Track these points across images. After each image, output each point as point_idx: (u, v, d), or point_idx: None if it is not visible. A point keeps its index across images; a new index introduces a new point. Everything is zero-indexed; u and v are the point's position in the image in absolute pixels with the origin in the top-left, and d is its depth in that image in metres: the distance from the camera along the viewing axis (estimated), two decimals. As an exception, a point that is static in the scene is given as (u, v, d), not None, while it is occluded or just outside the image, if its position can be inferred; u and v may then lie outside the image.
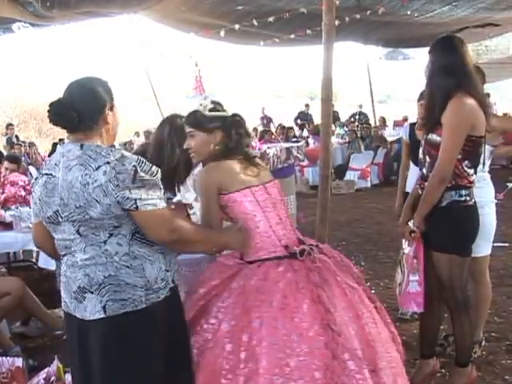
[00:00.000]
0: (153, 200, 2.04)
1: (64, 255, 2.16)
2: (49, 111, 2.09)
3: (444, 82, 2.88)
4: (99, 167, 2.01)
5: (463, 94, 2.85)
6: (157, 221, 2.05)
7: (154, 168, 2.08)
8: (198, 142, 2.60)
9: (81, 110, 2.06)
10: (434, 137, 2.94)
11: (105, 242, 2.06)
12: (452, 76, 2.87)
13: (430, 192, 2.93)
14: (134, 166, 2.02)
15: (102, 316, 2.05)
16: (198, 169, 3.81)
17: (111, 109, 2.17)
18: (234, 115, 2.65)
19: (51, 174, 2.11)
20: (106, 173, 1.99)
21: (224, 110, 2.64)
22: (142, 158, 2.07)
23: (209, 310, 2.37)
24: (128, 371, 2.07)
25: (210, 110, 2.60)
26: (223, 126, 2.58)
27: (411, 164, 4.36)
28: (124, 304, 2.05)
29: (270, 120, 17.29)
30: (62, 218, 2.08)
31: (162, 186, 2.10)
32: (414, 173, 4.25)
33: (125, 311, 2.05)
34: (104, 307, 2.05)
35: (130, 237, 2.07)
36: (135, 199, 2.00)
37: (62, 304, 2.21)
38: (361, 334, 2.32)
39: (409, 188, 4.25)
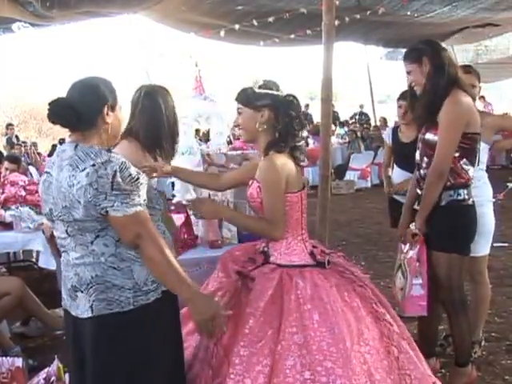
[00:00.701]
0: (125, 206, 1.99)
1: (62, 252, 2.18)
2: (48, 110, 2.08)
3: (440, 81, 2.90)
4: (84, 169, 1.99)
5: (458, 92, 2.88)
6: (124, 224, 1.99)
7: (135, 174, 2.03)
8: (244, 119, 2.53)
9: (79, 109, 2.05)
10: (431, 137, 2.94)
11: (91, 243, 2.06)
12: (446, 76, 2.90)
13: (429, 190, 2.94)
14: (115, 171, 1.98)
15: (90, 315, 2.05)
16: (194, 169, 3.82)
17: (112, 109, 2.14)
18: (287, 95, 2.54)
19: (49, 173, 2.13)
20: (89, 175, 1.97)
21: (278, 90, 2.53)
22: (126, 164, 2.03)
23: (276, 325, 2.29)
24: (118, 371, 2.06)
25: (261, 88, 2.52)
26: (272, 104, 2.48)
27: (395, 167, 4.39)
28: (110, 304, 2.04)
29: None
30: (54, 216, 2.10)
31: (141, 192, 2.05)
32: (397, 175, 4.27)
33: (111, 312, 2.04)
34: (91, 307, 2.05)
35: (117, 238, 2.06)
36: (106, 206, 1.97)
37: (62, 301, 2.23)
38: (393, 318, 2.50)
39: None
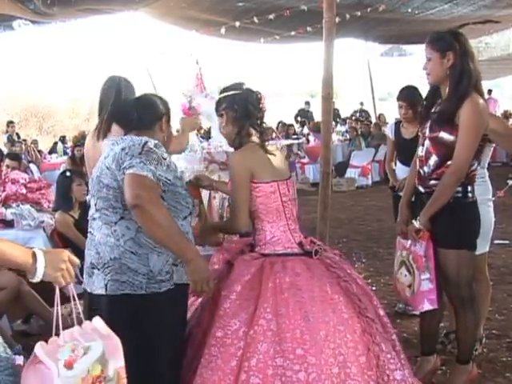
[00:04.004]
0: (141, 166, 2.13)
1: (89, 234, 2.37)
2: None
3: (461, 82, 2.87)
4: (123, 142, 2.27)
5: (475, 94, 2.87)
6: (130, 182, 2.13)
7: (166, 155, 2.27)
8: (220, 125, 2.71)
9: (141, 112, 2.37)
10: (445, 135, 2.92)
11: (115, 223, 2.24)
12: (469, 77, 2.88)
13: (446, 191, 2.91)
14: (147, 141, 2.22)
15: (103, 293, 2.23)
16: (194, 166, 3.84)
17: (167, 122, 2.46)
18: (244, 90, 2.65)
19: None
20: (124, 144, 2.24)
21: (238, 89, 2.65)
22: (160, 144, 2.29)
23: (251, 310, 2.34)
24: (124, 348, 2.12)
25: (223, 92, 2.68)
26: (228, 106, 2.62)
27: (397, 162, 4.38)
28: (123, 286, 2.19)
29: None
30: (91, 195, 2.34)
31: (160, 168, 2.20)
32: (400, 171, 4.26)
33: (123, 293, 2.17)
34: (106, 285, 2.23)
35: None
36: (127, 165, 2.15)
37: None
38: (379, 318, 2.49)
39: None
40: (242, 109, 2.58)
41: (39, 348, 1.74)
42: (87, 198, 2.45)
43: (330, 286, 2.43)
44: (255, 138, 2.62)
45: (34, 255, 1.69)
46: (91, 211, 2.34)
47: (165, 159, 2.24)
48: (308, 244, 2.60)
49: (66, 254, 1.80)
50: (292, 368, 2.19)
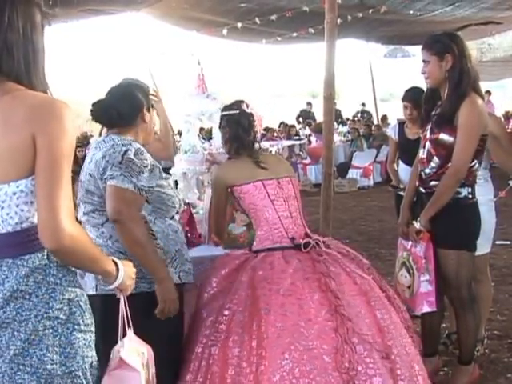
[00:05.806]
0: (122, 179, 2.15)
1: None
2: (92, 110, 2.35)
3: (461, 83, 2.87)
4: (104, 147, 2.25)
5: (474, 95, 2.87)
6: (111, 195, 2.15)
7: (147, 162, 2.24)
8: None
9: (121, 109, 2.31)
10: (445, 137, 2.92)
11: (102, 225, 2.27)
12: (467, 77, 2.88)
13: (446, 192, 2.92)
14: (128, 149, 2.20)
15: (94, 293, 2.24)
16: (196, 167, 3.88)
17: (148, 110, 2.43)
18: (235, 113, 2.78)
19: None
20: (105, 151, 2.22)
21: (235, 109, 2.80)
22: (142, 150, 2.26)
23: (222, 301, 2.42)
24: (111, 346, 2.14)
25: (222, 110, 2.87)
26: (225, 124, 2.80)
27: (400, 163, 4.38)
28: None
29: None
30: (78, 199, 2.34)
31: (143, 178, 2.20)
32: (403, 171, 4.26)
33: (113, 292, 2.07)
34: (96, 286, 2.26)
35: None
36: (108, 176, 2.16)
37: None
38: (371, 321, 2.36)
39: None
40: (232, 131, 2.75)
41: (124, 353, 1.77)
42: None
43: (303, 281, 2.38)
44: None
45: (115, 263, 1.72)
46: (79, 214, 2.35)
47: (146, 167, 2.23)
48: (301, 238, 2.60)
49: (132, 264, 1.84)
50: (248, 359, 2.21)
